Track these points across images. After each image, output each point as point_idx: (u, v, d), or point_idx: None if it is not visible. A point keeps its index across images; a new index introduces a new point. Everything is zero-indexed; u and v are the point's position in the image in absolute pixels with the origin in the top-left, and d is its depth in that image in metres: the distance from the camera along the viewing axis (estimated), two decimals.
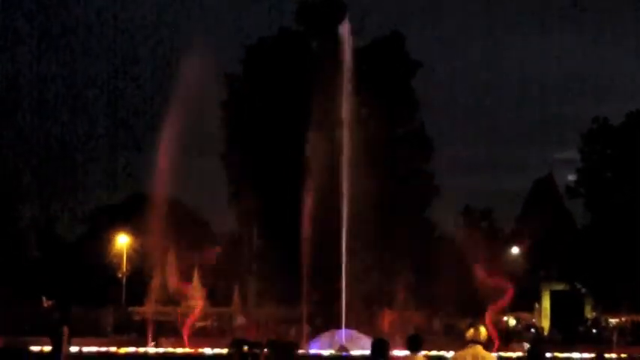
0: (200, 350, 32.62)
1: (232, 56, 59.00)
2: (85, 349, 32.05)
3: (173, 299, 61.35)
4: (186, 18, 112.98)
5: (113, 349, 33.13)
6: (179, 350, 33.49)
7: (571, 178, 70.10)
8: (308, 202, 38.73)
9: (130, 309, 57.64)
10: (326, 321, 41.68)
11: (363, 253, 42.21)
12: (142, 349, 33.85)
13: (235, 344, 20.83)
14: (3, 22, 78.58)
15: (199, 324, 51.15)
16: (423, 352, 13.23)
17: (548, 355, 27.10)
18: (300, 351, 32.14)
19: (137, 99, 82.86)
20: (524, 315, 64.77)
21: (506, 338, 37.83)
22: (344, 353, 30.87)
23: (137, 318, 52.32)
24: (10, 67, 73.79)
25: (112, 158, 76.56)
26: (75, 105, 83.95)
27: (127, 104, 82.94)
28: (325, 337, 34.96)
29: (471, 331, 12.76)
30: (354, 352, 30.74)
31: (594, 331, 55.78)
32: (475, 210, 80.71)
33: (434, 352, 27.99)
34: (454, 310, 52.53)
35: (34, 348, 30.90)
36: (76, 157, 75.41)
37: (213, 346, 32.55)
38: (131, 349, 33.34)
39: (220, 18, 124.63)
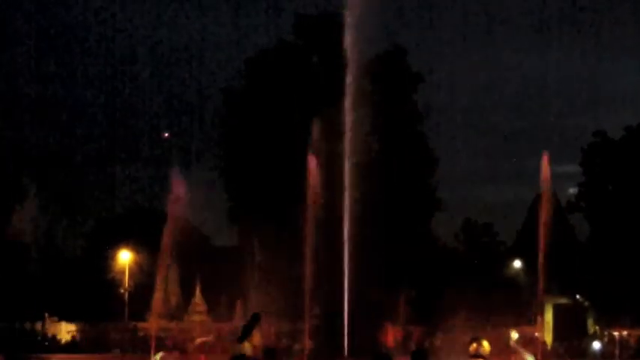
0: None
1: (230, 69, 59.23)
2: None
3: (175, 314, 61.39)
4: (185, 19, 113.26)
5: None
6: None
7: (572, 191, 70.16)
8: (310, 216, 38.77)
9: (133, 324, 57.62)
10: (328, 335, 41.70)
11: (365, 266, 42.24)
12: None
13: (237, 359, 20.65)
14: (1, 23, 78.66)
15: (201, 339, 51.15)
16: None
17: None
18: None
19: (135, 99, 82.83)
20: (527, 329, 64.65)
21: None
22: None
23: (140, 334, 52.33)
24: (9, 67, 73.83)
25: (111, 168, 76.50)
26: (74, 107, 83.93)
27: (125, 105, 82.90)
28: None
29: (474, 345, 12.73)
30: None
31: (596, 344, 55.70)
32: (476, 223, 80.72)
33: None
34: (456, 324, 52.44)
35: None
36: (75, 163, 75.30)
37: None
38: None
39: (220, 23, 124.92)
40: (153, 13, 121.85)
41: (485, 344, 12.70)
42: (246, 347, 15.70)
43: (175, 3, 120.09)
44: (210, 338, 53.15)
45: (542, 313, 64.00)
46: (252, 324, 16.20)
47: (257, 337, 15.87)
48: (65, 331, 59.00)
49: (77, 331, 56.22)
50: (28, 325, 55.74)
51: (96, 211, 76.71)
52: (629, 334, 58.50)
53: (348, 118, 39.07)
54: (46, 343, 49.39)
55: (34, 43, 75.64)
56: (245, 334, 15.72)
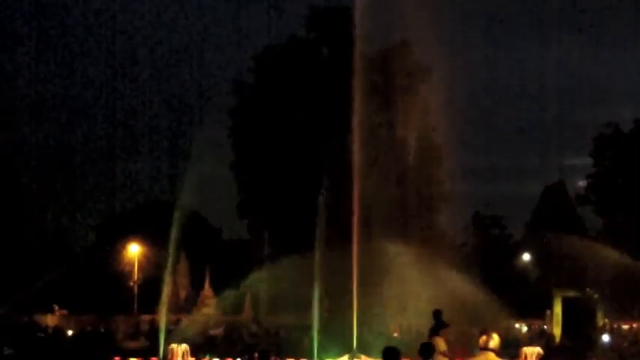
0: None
1: (238, 62, 59.26)
2: None
3: (184, 307, 61.46)
4: (185, 19, 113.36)
5: None
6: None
7: (581, 184, 70.12)
8: (320, 209, 38.74)
9: (142, 317, 57.70)
10: (338, 329, 41.66)
11: (375, 259, 42.22)
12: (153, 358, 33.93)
13: (246, 352, 20.79)
14: (1, 23, 78.59)
15: (211, 332, 51.20)
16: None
17: None
18: None
19: (136, 100, 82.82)
20: (536, 322, 64.64)
21: None
22: None
23: (149, 326, 52.35)
24: (9, 67, 73.83)
25: (113, 164, 76.66)
26: (73, 107, 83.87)
27: (125, 106, 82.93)
28: None
29: (484, 338, 12.71)
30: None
31: (605, 337, 55.63)
32: (485, 216, 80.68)
33: None
34: (466, 317, 52.40)
35: None
36: (76, 162, 75.44)
37: (224, 355, 32.63)
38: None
39: (220, 20, 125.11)
40: (154, 12, 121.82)
41: (495, 337, 12.69)
42: (438, 341, 16.52)
43: (176, 4, 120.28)
44: (219, 332, 53.18)
45: (551, 306, 64.00)
46: (440, 320, 17.36)
47: (443, 341, 16.67)
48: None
49: (87, 322, 56.29)
50: (36, 318, 55.85)
51: (100, 209, 76.88)
52: (638, 328, 58.45)
53: (358, 110, 38.99)
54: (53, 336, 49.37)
55: (34, 43, 75.70)
56: (436, 329, 16.71)
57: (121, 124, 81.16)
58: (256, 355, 17.98)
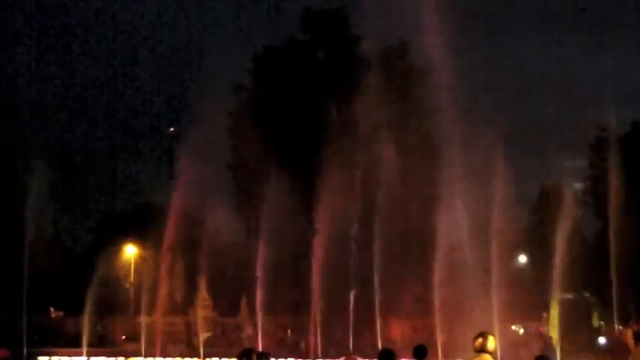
0: None
1: (238, 63, 59.12)
2: (93, 358, 32.18)
3: (181, 309, 61.38)
4: (185, 19, 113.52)
5: (121, 358, 33.26)
6: None
7: (577, 186, 70.01)
8: (319, 212, 38.79)
9: (138, 319, 57.64)
10: (334, 331, 41.71)
11: (372, 261, 42.25)
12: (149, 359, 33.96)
13: (244, 354, 20.59)
14: (1, 23, 78.55)
15: (206, 334, 51.20)
16: None
17: None
18: None
19: (136, 101, 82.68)
20: (532, 324, 64.65)
21: None
22: None
23: (145, 328, 52.36)
24: (10, 67, 73.77)
25: (113, 166, 76.54)
26: (74, 107, 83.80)
27: (125, 106, 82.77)
28: None
29: (480, 340, 12.67)
30: None
31: (602, 339, 55.71)
32: (482, 218, 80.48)
33: None
34: (463, 318, 52.43)
35: (42, 358, 31.05)
36: (76, 162, 75.38)
37: (221, 357, 32.67)
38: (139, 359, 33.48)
39: (221, 20, 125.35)
40: (154, 13, 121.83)
41: (491, 339, 12.64)
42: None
43: (176, 4, 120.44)
44: (216, 333, 53.18)
45: (547, 308, 64.07)
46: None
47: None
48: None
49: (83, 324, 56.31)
50: (34, 319, 55.79)
51: (98, 209, 76.78)
52: (638, 329, 58.43)
53: (357, 111, 39.10)
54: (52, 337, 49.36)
55: (34, 43, 75.61)
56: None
57: (120, 127, 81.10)
58: (254, 356, 17.85)
